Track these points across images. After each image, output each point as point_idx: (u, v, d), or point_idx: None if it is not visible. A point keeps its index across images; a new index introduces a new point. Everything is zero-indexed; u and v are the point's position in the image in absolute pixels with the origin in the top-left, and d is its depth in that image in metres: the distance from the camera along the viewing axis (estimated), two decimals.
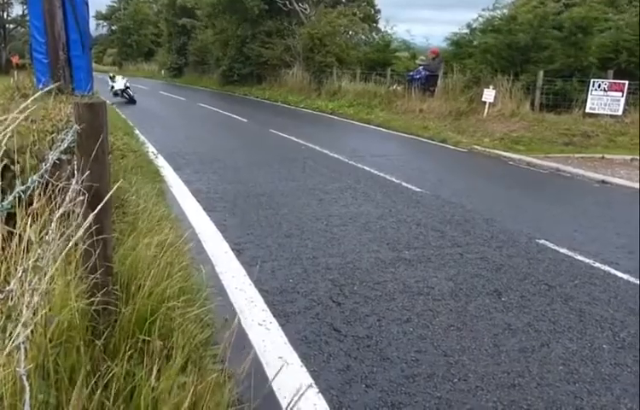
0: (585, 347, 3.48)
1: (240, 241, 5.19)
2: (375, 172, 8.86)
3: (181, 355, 2.07)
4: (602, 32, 14.40)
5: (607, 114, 13.08)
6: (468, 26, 17.17)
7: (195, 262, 4.02)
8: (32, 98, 1.84)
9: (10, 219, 1.70)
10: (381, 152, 11.55)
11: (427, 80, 17.47)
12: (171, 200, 6.59)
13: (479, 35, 16.88)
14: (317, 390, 2.84)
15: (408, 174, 8.65)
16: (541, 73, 14.04)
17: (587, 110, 13.32)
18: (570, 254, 5.22)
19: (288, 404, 2.54)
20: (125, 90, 20.47)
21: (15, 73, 10.97)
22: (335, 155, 10.32)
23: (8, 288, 1.05)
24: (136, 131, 12.11)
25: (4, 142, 1.32)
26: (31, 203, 1.68)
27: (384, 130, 15.17)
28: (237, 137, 13.51)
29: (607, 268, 4.87)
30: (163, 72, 43.01)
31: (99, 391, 1.57)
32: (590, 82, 13.31)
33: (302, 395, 2.48)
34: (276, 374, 2.78)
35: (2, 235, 1.53)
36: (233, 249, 4.94)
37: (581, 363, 3.27)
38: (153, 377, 1.80)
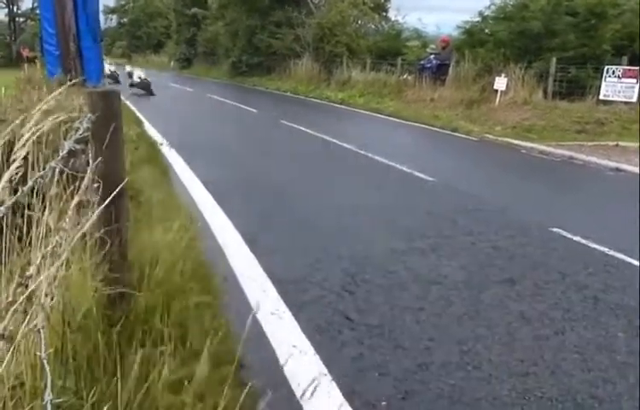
0: (600, 335, 3.44)
1: (251, 231, 5.19)
2: (386, 161, 8.82)
3: (195, 343, 2.08)
4: (618, 16, 14.18)
5: (621, 101, 12.90)
6: (480, 14, 16.99)
7: (208, 252, 4.03)
8: (56, 93, 1.85)
9: (28, 207, 1.71)
10: (392, 142, 11.51)
11: (439, 69, 17.33)
12: (182, 190, 6.61)
13: (490, 23, 16.69)
14: (331, 378, 2.84)
15: (419, 163, 8.60)
16: (554, 61, 13.87)
17: (601, 97, 13.14)
18: (584, 242, 5.17)
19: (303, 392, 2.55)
20: (142, 82, 20.59)
21: (26, 65, 11.05)
22: (345, 145, 10.28)
23: (27, 274, 1.06)
24: (146, 123, 12.14)
25: (31, 138, 1.33)
26: (47, 192, 1.70)
27: (395, 119, 15.09)
28: (247, 128, 13.52)
29: (621, 256, 4.82)
30: (172, 63, 43.08)
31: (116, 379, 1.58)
32: (604, 68, 13.13)
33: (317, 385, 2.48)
34: (289, 362, 2.79)
35: (21, 223, 1.55)
36: (245, 239, 4.94)
37: (596, 351, 3.24)
38: (167, 365, 1.81)
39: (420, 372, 2.96)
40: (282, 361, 2.94)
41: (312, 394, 2.40)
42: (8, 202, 1.07)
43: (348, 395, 2.72)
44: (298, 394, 2.65)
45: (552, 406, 2.72)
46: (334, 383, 2.80)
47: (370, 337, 3.31)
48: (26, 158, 1.39)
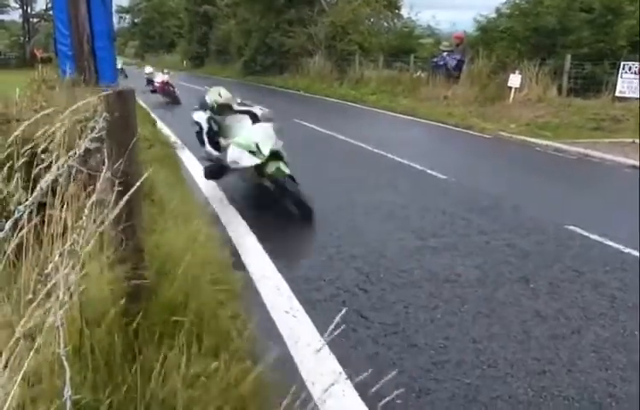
0: (618, 333, 3.40)
1: (264, 230, 5.19)
2: (399, 159, 8.79)
3: (211, 340, 2.09)
4: (634, 12, 14.00)
5: (637, 98, 12.71)
6: (497, 10, 16.87)
7: (222, 250, 4.04)
8: (87, 101, 1.86)
9: (43, 206, 1.73)
10: (405, 139, 11.45)
11: (453, 66, 17.23)
12: (195, 190, 6.64)
13: (505, 19, 16.56)
14: (346, 376, 2.83)
15: (432, 161, 8.55)
16: (568, 57, 13.71)
17: (617, 94, 12.97)
18: (600, 239, 5.10)
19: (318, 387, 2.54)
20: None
21: (40, 66, 11.14)
22: (358, 143, 10.26)
23: (45, 271, 1.07)
24: (158, 123, 12.19)
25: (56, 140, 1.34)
26: (64, 190, 1.71)
27: (408, 117, 15.03)
28: None
29: (638, 253, 4.75)
30: (185, 63, 43.33)
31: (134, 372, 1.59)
32: (620, 65, 12.95)
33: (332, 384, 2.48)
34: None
35: (39, 221, 1.56)
36: (258, 238, 4.95)
37: (613, 350, 3.20)
38: (184, 361, 1.82)
39: (435, 371, 2.94)
40: (296, 359, 2.94)
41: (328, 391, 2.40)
42: (28, 202, 1.08)
43: (363, 393, 2.71)
44: (313, 392, 2.65)
45: (569, 404, 2.69)
46: (348, 381, 2.79)
47: (385, 335, 3.30)
48: (43, 159, 1.40)
